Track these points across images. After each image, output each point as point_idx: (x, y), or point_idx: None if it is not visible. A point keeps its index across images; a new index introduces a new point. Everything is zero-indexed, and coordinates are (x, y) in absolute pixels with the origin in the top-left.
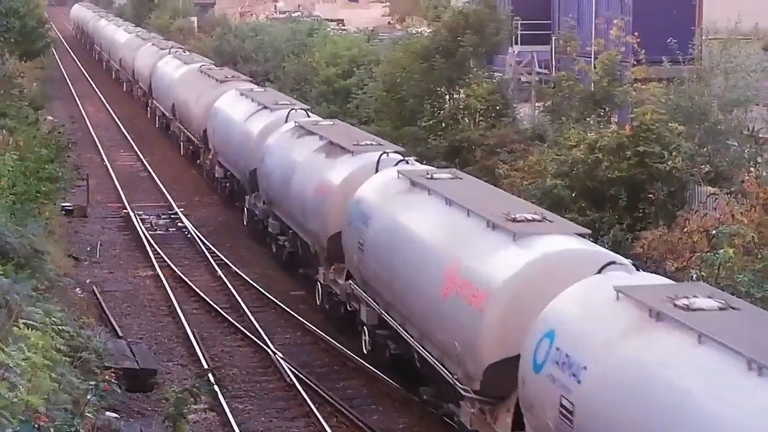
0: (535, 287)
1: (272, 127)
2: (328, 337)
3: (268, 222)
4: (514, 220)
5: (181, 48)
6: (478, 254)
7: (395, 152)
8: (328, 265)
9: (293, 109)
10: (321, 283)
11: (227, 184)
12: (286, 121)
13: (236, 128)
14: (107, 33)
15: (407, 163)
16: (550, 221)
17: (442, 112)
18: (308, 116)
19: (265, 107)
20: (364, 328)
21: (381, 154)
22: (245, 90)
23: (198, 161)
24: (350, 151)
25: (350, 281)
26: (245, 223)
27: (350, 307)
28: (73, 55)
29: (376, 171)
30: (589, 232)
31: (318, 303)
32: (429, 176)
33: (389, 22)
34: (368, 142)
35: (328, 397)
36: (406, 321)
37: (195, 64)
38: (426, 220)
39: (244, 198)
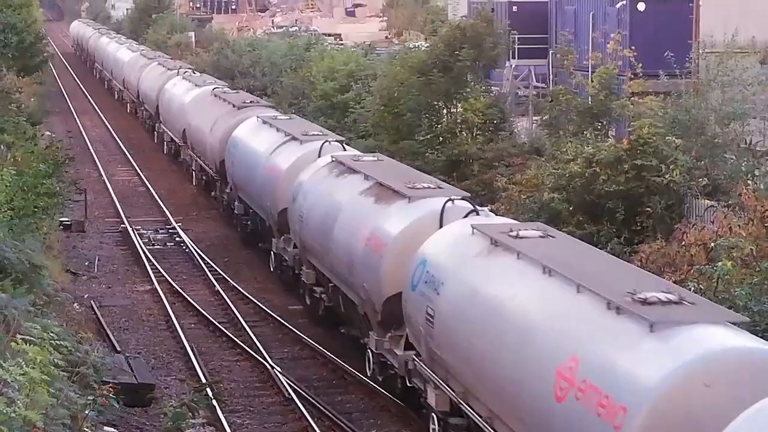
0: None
1: (304, 162)
2: (326, 352)
3: (302, 271)
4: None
5: (190, 68)
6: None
7: (462, 198)
8: (383, 332)
9: (327, 141)
10: (372, 351)
11: (248, 222)
12: (320, 155)
13: (260, 162)
14: (109, 51)
15: (477, 213)
16: (690, 303)
17: (439, 126)
18: (344, 149)
19: (294, 138)
20: (432, 414)
21: (446, 202)
22: (268, 118)
23: (213, 193)
24: (406, 196)
25: (413, 354)
26: (272, 268)
27: (410, 383)
28: (72, 72)
29: (441, 224)
30: (747, 320)
31: (369, 373)
32: (515, 234)
33: (386, 37)
34: (425, 185)
35: (326, 411)
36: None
37: (207, 87)
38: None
39: (270, 240)
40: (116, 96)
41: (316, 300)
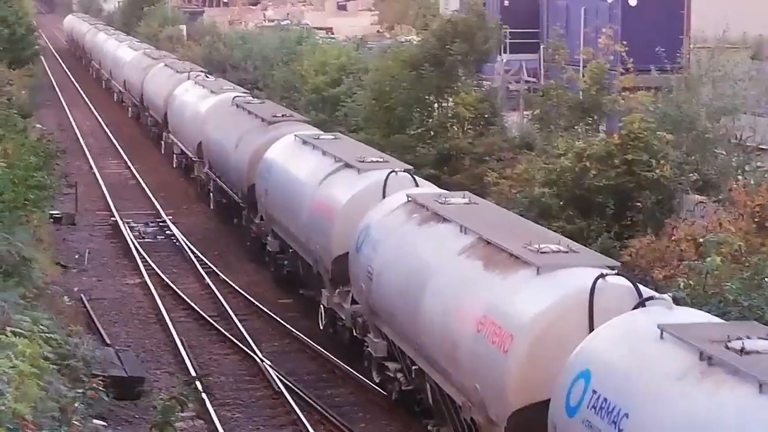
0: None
1: (366, 198)
2: (315, 345)
3: (370, 340)
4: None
5: (202, 71)
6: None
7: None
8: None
9: (393, 171)
10: (324, 306)
11: (286, 263)
12: (385, 190)
13: (306, 193)
14: (108, 49)
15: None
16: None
17: (430, 120)
18: (415, 182)
19: (348, 165)
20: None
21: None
22: (310, 137)
23: (235, 221)
24: (534, 265)
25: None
26: (321, 326)
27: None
28: (65, 69)
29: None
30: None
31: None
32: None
33: (378, 31)
34: (555, 248)
35: (315, 405)
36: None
37: (226, 94)
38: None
39: (318, 289)
40: (115, 98)
41: (389, 379)
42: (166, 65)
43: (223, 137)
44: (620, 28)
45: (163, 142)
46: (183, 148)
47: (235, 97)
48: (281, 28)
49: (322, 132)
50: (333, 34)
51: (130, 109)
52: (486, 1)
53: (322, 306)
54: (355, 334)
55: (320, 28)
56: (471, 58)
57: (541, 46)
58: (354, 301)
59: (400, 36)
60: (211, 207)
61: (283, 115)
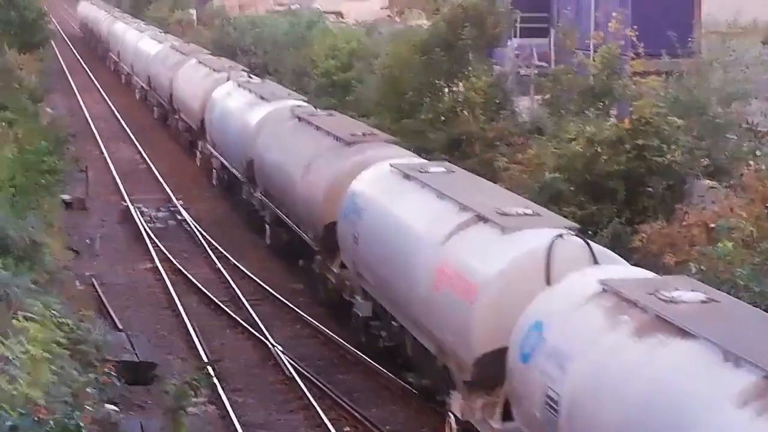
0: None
1: (525, 275)
2: (327, 330)
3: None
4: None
5: (244, 70)
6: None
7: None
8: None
9: (559, 235)
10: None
11: (383, 335)
12: (549, 260)
13: (424, 253)
14: (128, 40)
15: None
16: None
17: (441, 105)
18: (592, 251)
19: (484, 218)
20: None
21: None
22: (414, 170)
23: (301, 262)
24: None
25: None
26: None
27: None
28: (81, 60)
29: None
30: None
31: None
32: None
33: (388, 15)
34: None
35: (327, 390)
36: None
37: (282, 103)
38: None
39: (447, 391)
40: (137, 95)
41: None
42: (199, 62)
43: (284, 159)
44: (631, 12)
45: (198, 153)
46: (226, 164)
47: (294, 107)
48: (291, 13)
49: (424, 159)
50: (343, 18)
51: (155, 109)
52: None
53: (451, 415)
54: None
55: (330, 13)
56: (481, 42)
57: (552, 31)
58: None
59: (410, 20)
60: (268, 242)
61: (363, 134)
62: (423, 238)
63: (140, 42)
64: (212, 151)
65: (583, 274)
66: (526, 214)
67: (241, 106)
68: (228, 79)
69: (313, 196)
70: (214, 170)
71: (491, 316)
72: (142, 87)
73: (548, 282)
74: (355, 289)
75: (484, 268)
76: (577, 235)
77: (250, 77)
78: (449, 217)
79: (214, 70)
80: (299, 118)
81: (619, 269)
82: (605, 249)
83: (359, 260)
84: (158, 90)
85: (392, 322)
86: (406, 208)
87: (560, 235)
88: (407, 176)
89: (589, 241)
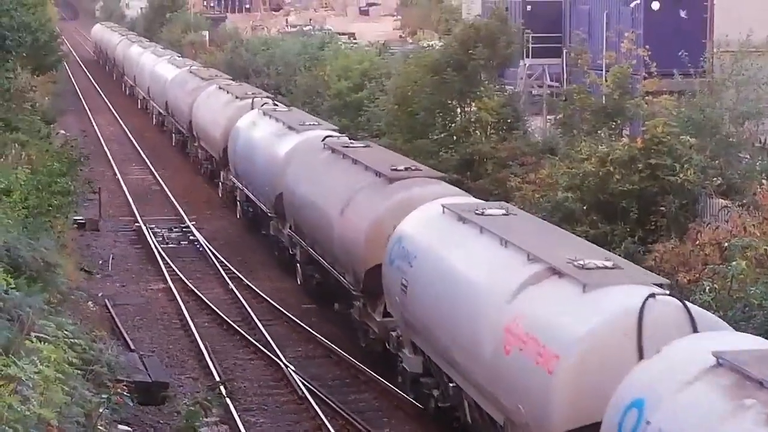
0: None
1: (613, 340)
2: (339, 350)
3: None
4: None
5: (269, 97)
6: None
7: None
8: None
9: (651, 295)
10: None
11: (437, 393)
12: (641, 323)
13: (489, 309)
14: (145, 64)
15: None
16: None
17: (453, 125)
18: (690, 316)
19: (558, 271)
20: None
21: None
22: (470, 212)
23: (336, 306)
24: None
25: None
26: None
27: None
28: (95, 84)
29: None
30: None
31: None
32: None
33: (400, 36)
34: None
35: (340, 410)
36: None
37: (311, 132)
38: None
39: None
40: (154, 121)
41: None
42: (220, 88)
43: (317, 195)
44: (643, 32)
45: (220, 184)
46: (253, 198)
47: (326, 137)
48: (303, 34)
49: (479, 199)
50: (355, 39)
51: (174, 135)
52: (508, 5)
53: None
54: None
55: (343, 33)
56: (493, 62)
57: (564, 51)
58: None
59: (422, 41)
60: (299, 282)
61: (406, 168)
62: (486, 292)
63: (157, 66)
64: (236, 182)
65: (686, 342)
66: (606, 267)
67: (267, 136)
68: (252, 107)
69: (352, 237)
70: (237, 202)
71: (575, 389)
72: (159, 112)
73: (641, 350)
74: (403, 341)
75: (565, 333)
76: (671, 295)
77: (275, 104)
78: (516, 268)
79: (236, 97)
80: (333, 150)
81: (728, 337)
82: (704, 311)
83: (409, 311)
84: (177, 116)
85: (447, 382)
86: (465, 257)
87: (652, 295)
88: (463, 219)
89: (687, 302)
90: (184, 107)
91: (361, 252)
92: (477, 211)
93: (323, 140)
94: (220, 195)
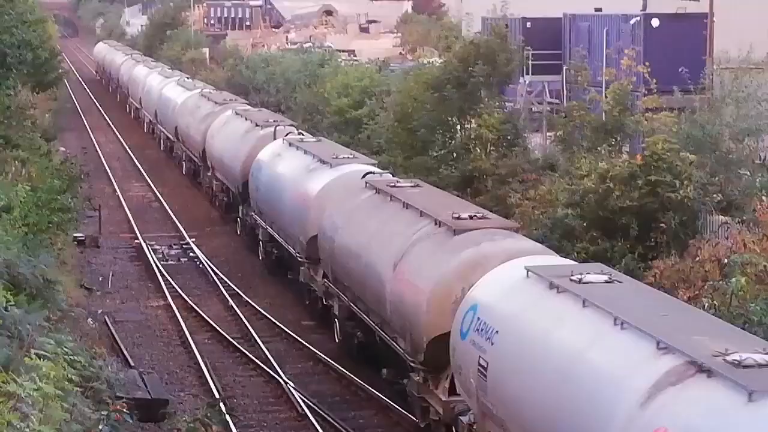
0: None
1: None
2: (339, 367)
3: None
4: None
5: (292, 125)
6: None
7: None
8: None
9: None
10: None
11: None
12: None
13: (604, 407)
14: (152, 86)
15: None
16: None
17: (453, 141)
18: None
19: (701, 367)
20: None
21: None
22: (563, 278)
23: (385, 372)
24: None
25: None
26: None
27: None
28: (98, 105)
29: None
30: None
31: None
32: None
33: (400, 53)
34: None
35: (340, 427)
36: None
37: (347, 167)
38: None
39: None
40: (162, 146)
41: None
42: (237, 113)
43: (362, 245)
44: (643, 49)
45: (238, 220)
46: (279, 239)
47: (366, 174)
48: (304, 51)
49: (568, 259)
50: (355, 56)
51: (184, 164)
52: (508, 22)
53: None
54: None
55: (343, 51)
56: (493, 79)
57: (564, 68)
58: None
59: (422, 58)
60: (337, 339)
61: (471, 216)
62: (608, 391)
63: (165, 88)
64: (258, 220)
65: None
66: None
67: (295, 170)
68: (275, 136)
69: (411, 299)
70: (260, 242)
71: None
72: (167, 137)
73: None
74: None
75: None
76: None
77: (300, 134)
78: (644, 359)
79: (256, 125)
80: (377, 190)
81: None
82: None
83: (493, 397)
84: (188, 143)
85: None
86: (567, 338)
87: None
88: (556, 287)
89: None
90: (196, 134)
91: (422, 318)
92: (572, 277)
93: (363, 177)
94: (238, 232)
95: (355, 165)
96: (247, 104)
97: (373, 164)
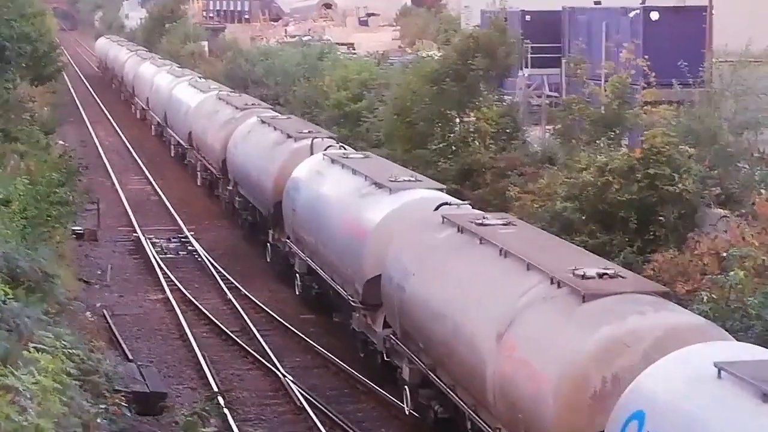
0: None
1: None
2: (338, 360)
3: None
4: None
5: (331, 137)
6: None
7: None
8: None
9: None
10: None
11: None
12: None
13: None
14: (161, 86)
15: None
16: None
17: (452, 135)
18: None
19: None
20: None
21: None
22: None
23: None
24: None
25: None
26: None
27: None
28: (100, 104)
29: None
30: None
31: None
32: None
33: (399, 46)
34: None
35: (338, 420)
36: None
37: (411, 191)
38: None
39: None
40: (173, 152)
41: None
42: (262, 122)
43: (449, 300)
44: (642, 42)
45: (268, 245)
46: (324, 276)
47: (440, 205)
48: (303, 44)
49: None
50: (354, 49)
51: (199, 174)
52: (507, 15)
53: None
54: None
55: (342, 44)
56: (492, 72)
57: (563, 61)
58: None
59: (421, 51)
60: (407, 410)
61: (602, 275)
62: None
63: (176, 89)
64: (294, 248)
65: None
66: None
67: (344, 194)
68: (311, 150)
69: (528, 390)
70: (296, 275)
71: None
72: (178, 143)
73: None
74: None
75: None
76: None
77: (343, 148)
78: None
79: (288, 136)
80: (460, 229)
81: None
82: None
83: None
84: (204, 151)
85: None
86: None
87: None
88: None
89: None
90: (214, 143)
91: (548, 414)
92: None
93: (437, 209)
94: (269, 260)
95: (419, 189)
96: (272, 109)
97: (441, 189)
